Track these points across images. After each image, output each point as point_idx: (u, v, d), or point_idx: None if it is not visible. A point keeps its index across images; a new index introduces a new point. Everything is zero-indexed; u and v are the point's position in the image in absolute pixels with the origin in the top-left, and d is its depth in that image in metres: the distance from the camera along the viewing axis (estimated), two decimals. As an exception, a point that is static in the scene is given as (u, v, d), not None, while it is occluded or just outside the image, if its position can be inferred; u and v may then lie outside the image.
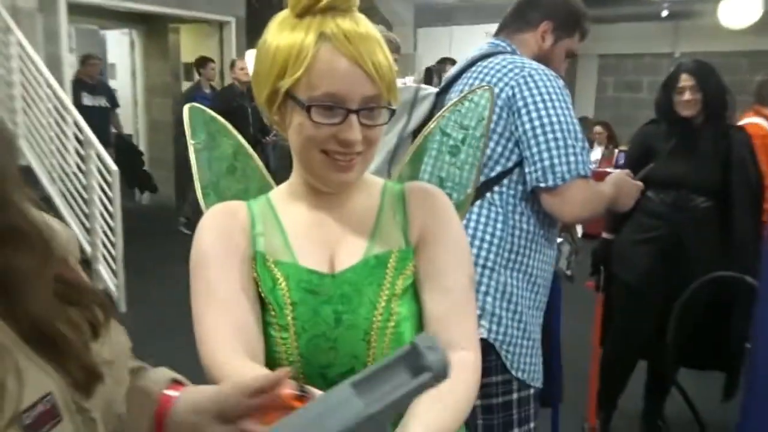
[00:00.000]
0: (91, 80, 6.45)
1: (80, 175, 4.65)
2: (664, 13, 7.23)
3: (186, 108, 1.17)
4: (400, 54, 2.66)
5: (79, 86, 6.28)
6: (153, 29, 7.71)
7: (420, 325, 0.94)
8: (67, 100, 4.88)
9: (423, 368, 0.51)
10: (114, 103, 6.79)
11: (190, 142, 1.16)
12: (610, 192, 1.68)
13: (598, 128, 7.80)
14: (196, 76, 6.61)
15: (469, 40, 1.51)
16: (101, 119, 6.19)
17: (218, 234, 0.93)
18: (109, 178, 4.43)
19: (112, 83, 8.58)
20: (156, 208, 7.81)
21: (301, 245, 0.94)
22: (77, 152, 4.75)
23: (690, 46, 8.29)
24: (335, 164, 0.88)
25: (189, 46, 7.50)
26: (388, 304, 0.90)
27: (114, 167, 4.43)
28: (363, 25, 0.86)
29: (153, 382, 0.76)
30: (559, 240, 1.90)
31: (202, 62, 6.47)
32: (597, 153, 7.16)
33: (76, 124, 4.72)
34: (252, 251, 0.93)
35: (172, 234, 6.22)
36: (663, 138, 2.57)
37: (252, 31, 7.21)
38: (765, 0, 6.26)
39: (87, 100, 6.28)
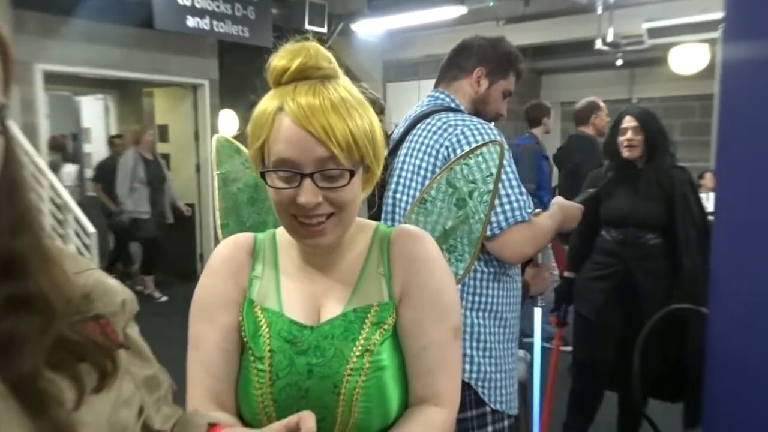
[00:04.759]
0: (150, 155, 6.18)
1: (59, 239, 4.68)
2: (619, 62, 7.58)
3: (214, 138, 1.20)
4: (384, 114, 2.71)
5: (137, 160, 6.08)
6: (127, 93, 7.74)
7: (404, 375, 0.95)
8: (44, 165, 4.95)
9: None
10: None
11: (215, 172, 1.18)
12: (552, 223, 1.74)
13: (564, 172, 8.10)
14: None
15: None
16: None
17: (216, 281, 0.99)
18: (87, 241, 4.48)
19: (88, 147, 8.62)
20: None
21: (290, 294, 0.97)
22: (54, 216, 4.80)
23: (645, 91, 8.65)
24: (305, 228, 0.90)
25: (163, 109, 7.50)
26: (360, 358, 0.91)
27: (92, 229, 4.48)
28: (324, 96, 0.86)
29: (194, 426, 0.81)
30: None
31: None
32: (565, 196, 7.37)
33: (53, 189, 4.79)
34: (244, 297, 0.98)
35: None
36: (608, 179, 2.72)
37: (225, 93, 7.36)
38: (711, 47, 6.62)
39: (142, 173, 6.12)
